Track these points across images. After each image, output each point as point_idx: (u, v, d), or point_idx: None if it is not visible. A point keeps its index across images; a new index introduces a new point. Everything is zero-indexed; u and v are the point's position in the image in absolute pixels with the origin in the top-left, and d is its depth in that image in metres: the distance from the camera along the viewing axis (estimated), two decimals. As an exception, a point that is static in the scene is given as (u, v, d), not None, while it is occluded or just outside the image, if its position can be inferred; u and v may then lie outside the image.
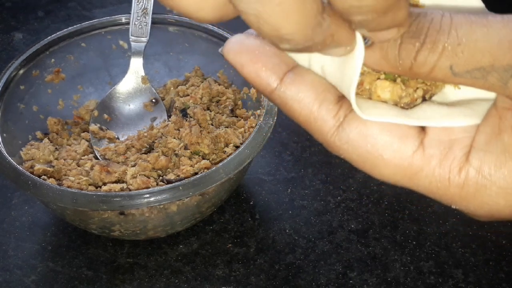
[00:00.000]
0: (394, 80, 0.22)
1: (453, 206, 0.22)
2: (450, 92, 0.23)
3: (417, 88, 0.22)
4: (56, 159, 0.49)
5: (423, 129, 0.22)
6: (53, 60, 0.54)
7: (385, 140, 0.21)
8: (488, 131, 0.21)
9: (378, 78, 0.22)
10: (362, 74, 0.22)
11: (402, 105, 0.22)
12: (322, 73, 0.22)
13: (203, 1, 0.18)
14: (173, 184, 0.42)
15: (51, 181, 0.44)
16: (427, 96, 0.22)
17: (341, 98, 0.22)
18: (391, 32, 0.20)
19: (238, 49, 0.21)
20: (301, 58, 0.22)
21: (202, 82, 0.55)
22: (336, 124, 0.21)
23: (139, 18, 0.54)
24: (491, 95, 0.22)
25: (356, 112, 0.21)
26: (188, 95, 0.54)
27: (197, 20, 0.19)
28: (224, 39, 0.54)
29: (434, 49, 0.20)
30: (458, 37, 0.20)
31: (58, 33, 0.55)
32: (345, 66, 0.21)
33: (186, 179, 0.42)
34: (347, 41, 0.20)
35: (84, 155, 0.50)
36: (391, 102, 0.22)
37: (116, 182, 0.46)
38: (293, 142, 0.57)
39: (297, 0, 0.17)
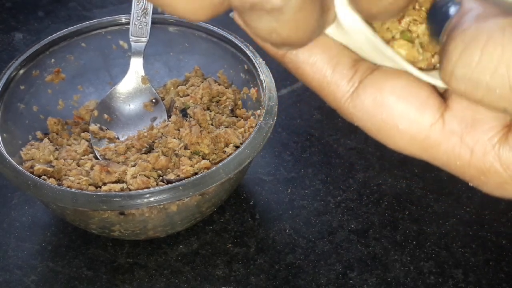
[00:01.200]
0: (412, 42, 0.20)
1: (471, 184, 0.21)
2: None
3: (435, 53, 0.20)
4: (56, 159, 0.49)
5: (445, 102, 0.20)
6: (53, 60, 0.54)
7: (402, 109, 0.20)
8: None
9: (393, 37, 0.21)
10: (379, 31, 0.20)
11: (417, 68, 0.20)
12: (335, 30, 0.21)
13: (198, 4, 0.18)
14: (173, 184, 0.42)
15: (51, 181, 0.44)
16: None
17: (357, 62, 0.20)
18: None
19: None
20: None
21: (202, 82, 0.55)
22: (350, 89, 0.20)
23: (139, 18, 0.54)
24: None
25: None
26: (188, 95, 0.54)
27: (191, 20, 0.19)
28: (224, 39, 0.54)
29: (474, 87, 0.17)
30: (510, 79, 0.17)
31: (58, 33, 0.55)
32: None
33: (186, 179, 0.42)
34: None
35: (84, 155, 0.50)
36: None
37: (116, 182, 0.46)
38: (293, 142, 0.57)
39: (307, 10, 0.17)
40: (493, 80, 0.17)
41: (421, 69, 0.20)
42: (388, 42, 0.20)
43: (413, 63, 0.20)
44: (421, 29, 0.21)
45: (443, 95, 0.20)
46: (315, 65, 0.20)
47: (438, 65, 0.20)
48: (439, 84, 0.19)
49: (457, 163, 0.20)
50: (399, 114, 0.20)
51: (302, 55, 0.20)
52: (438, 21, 0.19)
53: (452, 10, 0.18)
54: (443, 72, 0.18)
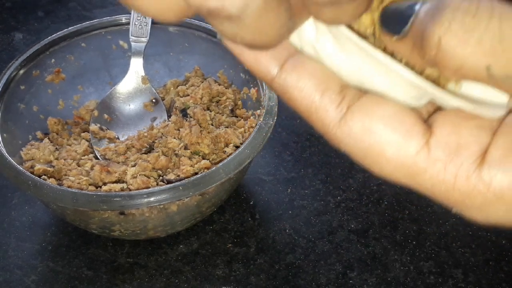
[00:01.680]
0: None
1: (454, 210, 0.21)
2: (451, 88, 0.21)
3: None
4: (56, 159, 0.49)
5: (429, 128, 0.20)
6: (53, 60, 0.54)
7: (389, 137, 0.20)
8: (505, 146, 0.19)
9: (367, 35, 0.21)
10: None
11: None
12: (315, 53, 0.21)
13: (166, 6, 0.18)
14: (173, 184, 0.42)
15: (51, 181, 0.44)
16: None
17: (345, 88, 0.21)
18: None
19: None
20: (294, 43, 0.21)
21: (202, 82, 0.55)
22: (338, 115, 0.20)
23: (139, 18, 0.54)
24: (496, 98, 0.20)
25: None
26: (188, 95, 0.54)
27: (162, 21, 0.19)
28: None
29: (466, 39, 0.16)
30: (501, 30, 0.16)
31: (58, 33, 0.55)
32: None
33: (186, 179, 0.42)
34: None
35: (84, 155, 0.50)
36: None
37: (116, 182, 0.47)
38: (293, 142, 0.57)
39: (269, 16, 0.17)
40: (486, 32, 0.16)
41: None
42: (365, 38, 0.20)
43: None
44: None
45: (427, 121, 0.21)
46: (303, 90, 0.20)
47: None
48: (428, 88, 0.19)
49: (441, 189, 0.20)
50: (386, 141, 0.20)
51: (290, 79, 0.21)
52: (393, 20, 0.19)
53: (417, 7, 0.18)
54: (437, 26, 0.17)
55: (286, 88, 0.21)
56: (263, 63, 0.21)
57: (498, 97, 0.20)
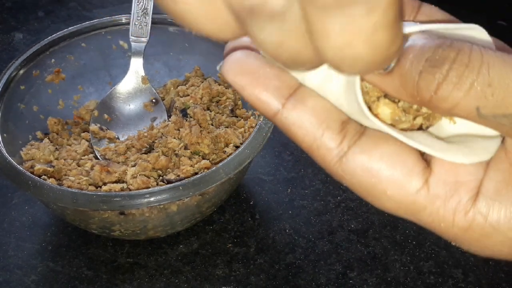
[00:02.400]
0: (395, 102, 0.21)
1: (453, 243, 0.22)
2: (445, 125, 0.22)
3: (417, 116, 0.21)
4: (56, 159, 0.49)
5: (428, 166, 0.21)
6: (53, 60, 0.54)
7: (390, 176, 0.21)
8: (498, 179, 0.20)
9: (379, 97, 0.21)
10: (364, 92, 0.21)
11: (399, 129, 0.21)
12: (319, 88, 0.22)
13: (215, 25, 0.18)
14: (173, 184, 0.42)
15: (51, 181, 0.44)
16: (424, 127, 0.22)
17: (345, 125, 0.21)
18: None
19: (238, 70, 0.21)
20: (296, 75, 0.22)
21: (202, 82, 0.55)
22: (339, 154, 0.21)
23: (139, 18, 0.54)
24: (488, 131, 0.21)
25: (367, 115, 0.20)
26: (188, 95, 0.54)
27: (219, 40, 0.19)
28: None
29: (461, 85, 0.18)
30: (490, 77, 0.18)
31: (58, 33, 0.55)
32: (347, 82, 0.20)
33: (186, 179, 0.42)
34: None
35: (84, 155, 0.50)
36: (389, 122, 0.21)
37: (116, 182, 0.46)
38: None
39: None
40: (477, 78, 0.18)
41: (404, 130, 0.21)
42: (374, 101, 0.21)
43: (397, 122, 0.21)
44: None
45: (425, 158, 0.21)
46: (305, 128, 0.21)
47: (416, 128, 0.21)
48: (421, 148, 0.20)
49: (441, 225, 0.21)
50: (387, 180, 0.21)
51: (292, 117, 0.21)
52: None
53: None
54: (436, 75, 0.18)
55: (288, 125, 0.21)
56: (265, 100, 0.21)
57: (489, 130, 0.21)
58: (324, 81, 0.21)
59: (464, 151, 0.21)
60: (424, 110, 0.21)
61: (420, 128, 0.21)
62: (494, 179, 0.21)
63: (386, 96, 0.21)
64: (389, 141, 0.21)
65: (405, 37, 0.19)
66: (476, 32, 0.20)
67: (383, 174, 0.21)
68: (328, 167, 0.21)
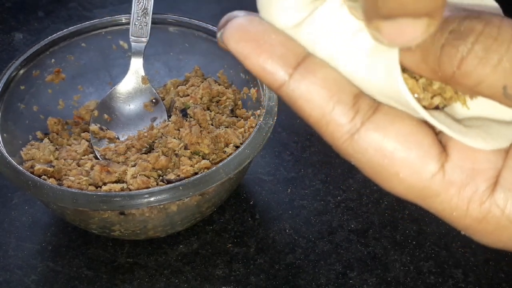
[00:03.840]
0: (415, 79, 0.20)
1: (463, 233, 0.21)
2: (458, 107, 0.21)
3: (435, 95, 0.20)
4: (56, 159, 0.49)
5: (444, 150, 0.20)
6: (53, 60, 0.54)
7: (404, 158, 0.19)
8: None
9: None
10: None
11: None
12: (331, 59, 0.20)
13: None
14: (173, 184, 0.42)
15: (51, 181, 0.44)
16: (440, 106, 0.20)
17: (358, 100, 0.19)
18: (417, 24, 0.16)
19: (240, 37, 0.19)
20: (305, 44, 0.20)
21: (202, 82, 0.55)
22: (351, 130, 0.19)
23: (139, 18, 0.54)
24: (504, 116, 0.20)
25: (397, 73, 0.18)
26: (188, 95, 0.54)
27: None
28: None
29: (487, 60, 0.17)
30: None
31: (58, 33, 0.55)
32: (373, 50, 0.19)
33: (186, 179, 0.42)
34: None
35: (84, 155, 0.50)
36: None
37: (116, 182, 0.46)
38: (293, 142, 0.57)
39: None
40: (507, 53, 0.17)
41: (424, 107, 0.19)
42: None
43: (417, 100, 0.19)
44: None
45: (442, 142, 0.20)
46: (314, 102, 0.19)
47: (439, 105, 0.20)
48: (445, 129, 0.19)
49: (453, 214, 0.20)
50: (401, 162, 0.19)
51: (299, 89, 0.19)
52: None
53: None
54: (460, 48, 0.17)
55: (295, 98, 0.19)
56: (270, 70, 0.19)
57: (504, 113, 0.20)
58: (338, 51, 0.19)
59: (483, 136, 0.19)
60: (437, 86, 0.20)
61: (436, 108, 0.20)
62: None
63: (404, 71, 0.19)
64: (405, 120, 0.19)
65: None
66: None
67: (397, 155, 0.19)
68: (337, 145, 0.20)
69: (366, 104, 0.19)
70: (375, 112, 0.19)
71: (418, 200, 0.20)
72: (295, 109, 0.20)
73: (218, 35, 0.20)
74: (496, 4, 0.19)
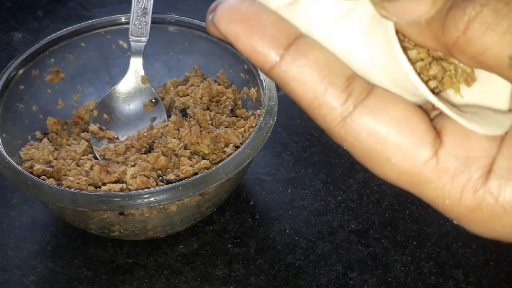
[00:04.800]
0: (412, 62, 0.19)
1: (455, 222, 0.20)
2: (453, 95, 0.20)
3: (430, 79, 0.20)
4: (56, 159, 0.49)
5: (439, 137, 0.19)
6: (52, 60, 0.54)
7: (397, 143, 0.19)
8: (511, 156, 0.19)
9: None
10: None
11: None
12: (325, 40, 0.19)
13: None
14: (173, 184, 0.42)
15: (50, 181, 0.44)
16: (435, 91, 0.20)
17: (351, 82, 0.19)
18: (423, 2, 0.16)
19: (231, 18, 0.19)
20: (300, 25, 0.19)
21: (202, 82, 0.55)
22: (343, 113, 0.19)
23: (139, 18, 0.54)
24: (498, 105, 0.20)
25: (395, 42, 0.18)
26: (188, 95, 0.54)
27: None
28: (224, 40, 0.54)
29: (496, 26, 0.16)
30: None
31: (57, 33, 0.55)
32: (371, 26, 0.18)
33: (186, 179, 0.42)
34: None
35: (83, 155, 0.50)
36: None
37: (116, 182, 0.46)
38: (293, 142, 0.57)
39: None
40: None
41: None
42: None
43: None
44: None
45: (433, 122, 0.20)
46: (305, 84, 0.19)
47: (434, 90, 0.20)
48: (446, 110, 0.19)
49: (445, 202, 0.20)
50: (394, 147, 0.19)
51: (291, 71, 0.19)
52: None
53: None
54: (467, 10, 0.16)
55: (287, 79, 0.19)
56: (261, 51, 0.19)
57: (498, 102, 0.20)
58: (334, 29, 0.19)
59: (478, 121, 0.19)
60: (434, 72, 0.19)
61: (432, 92, 0.20)
62: (507, 156, 0.19)
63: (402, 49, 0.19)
64: (400, 104, 0.19)
65: None
66: None
67: (390, 140, 0.19)
68: (329, 128, 0.19)
69: (359, 86, 0.19)
70: (368, 95, 0.19)
71: (410, 187, 0.20)
72: (287, 91, 0.19)
73: (209, 17, 0.20)
74: None
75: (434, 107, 0.21)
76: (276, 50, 0.19)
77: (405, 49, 0.19)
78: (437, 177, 0.19)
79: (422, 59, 0.19)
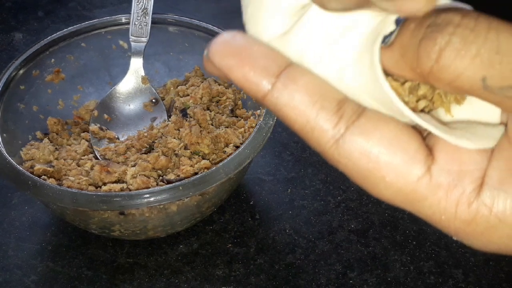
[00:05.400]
0: (400, 82, 0.20)
1: (455, 238, 0.21)
2: (441, 115, 0.21)
3: (419, 99, 0.20)
4: (56, 159, 0.49)
5: (431, 154, 0.20)
6: (53, 60, 0.54)
7: (389, 161, 0.19)
8: (502, 167, 0.19)
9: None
10: None
11: None
12: (316, 67, 0.20)
13: None
14: (173, 184, 0.42)
15: (51, 181, 0.44)
16: (426, 110, 0.20)
17: (342, 105, 0.19)
18: (416, 1, 0.17)
19: (224, 51, 0.20)
20: (293, 53, 0.20)
21: (202, 82, 0.55)
22: (336, 136, 0.19)
23: (139, 18, 0.54)
24: (488, 118, 0.20)
25: (379, 77, 0.18)
26: (188, 95, 0.54)
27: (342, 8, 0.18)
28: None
29: (465, 52, 0.17)
30: (498, 42, 0.16)
31: (58, 33, 0.55)
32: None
33: (186, 179, 0.42)
34: None
35: (84, 155, 0.50)
36: None
37: (116, 182, 0.46)
38: (293, 142, 0.57)
39: None
40: (484, 44, 0.17)
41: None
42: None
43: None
44: None
45: (428, 146, 0.20)
46: (297, 109, 0.19)
47: (424, 109, 0.20)
48: (431, 128, 0.19)
49: (442, 217, 0.20)
50: (387, 166, 0.19)
51: (283, 98, 0.19)
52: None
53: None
54: (437, 40, 0.17)
55: (279, 106, 0.20)
56: (253, 80, 0.19)
57: (489, 116, 0.20)
58: (325, 56, 0.20)
59: (468, 136, 0.20)
60: (423, 91, 0.20)
61: (422, 112, 0.20)
62: (497, 168, 0.19)
63: (389, 74, 0.20)
64: (390, 124, 0.19)
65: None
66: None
67: (382, 159, 0.19)
68: (323, 151, 0.20)
69: (350, 109, 0.19)
70: (359, 116, 0.19)
71: (407, 205, 0.20)
72: (281, 117, 0.20)
73: (205, 53, 0.20)
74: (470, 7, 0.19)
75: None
76: (268, 79, 0.19)
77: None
78: (431, 193, 0.19)
79: (412, 79, 0.20)
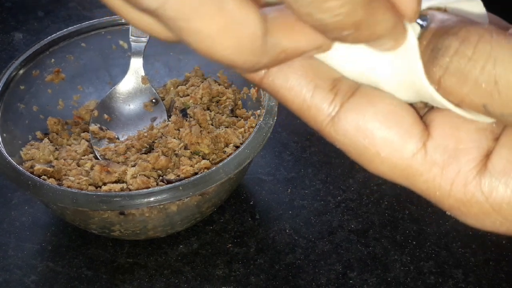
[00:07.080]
0: None
1: (448, 213, 0.20)
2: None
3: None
4: (56, 159, 0.49)
5: (427, 129, 0.20)
6: (53, 60, 0.54)
7: (384, 137, 0.19)
8: (509, 158, 0.19)
9: None
10: None
11: None
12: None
13: (239, 46, 0.18)
14: (173, 184, 0.42)
15: (51, 181, 0.44)
16: None
17: (337, 83, 0.20)
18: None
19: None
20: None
21: (202, 82, 0.55)
22: (331, 113, 0.19)
23: (139, 18, 0.54)
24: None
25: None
26: (188, 95, 0.54)
27: (234, 67, 0.18)
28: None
29: (464, 80, 0.17)
30: (496, 74, 0.17)
31: (58, 33, 0.55)
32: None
33: (186, 179, 0.42)
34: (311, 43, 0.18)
35: (84, 155, 0.50)
36: None
37: (116, 182, 0.46)
38: (293, 142, 0.57)
39: (224, 28, 0.17)
40: (481, 75, 0.17)
41: None
42: None
43: None
44: None
45: (423, 118, 0.20)
46: (293, 90, 0.20)
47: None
48: (447, 104, 0.19)
49: (436, 193, 0.20)
50: (382, 141, 0.19)
51: (278, 80, 0.20)
52: None
53: (421, 21, 0.19)
54: (436, 67, 0.18)
55: (276, 88, 0.20)
56: None
57: None
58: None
59: (467, 115, 0.19)
60: None
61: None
62: (504, 157, 0.19)
63: None
64: (385, 99, 0.20)
65: (422, 13, 0.18)
66: (472, 4, 0.19)
67: (377, 135, 0.19)
68: (320, 129, 0.20)
69: (345, 86, 0.20)
70: (354, 93, 0.20)
71: (403, 180, 0.20)
72: (279, 100, 0.20)
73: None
74: (483, 11, 0.19)
75: (425, 105, 0.21)
76: None
77: None
78: (426, 170, 0.19)
79: None
